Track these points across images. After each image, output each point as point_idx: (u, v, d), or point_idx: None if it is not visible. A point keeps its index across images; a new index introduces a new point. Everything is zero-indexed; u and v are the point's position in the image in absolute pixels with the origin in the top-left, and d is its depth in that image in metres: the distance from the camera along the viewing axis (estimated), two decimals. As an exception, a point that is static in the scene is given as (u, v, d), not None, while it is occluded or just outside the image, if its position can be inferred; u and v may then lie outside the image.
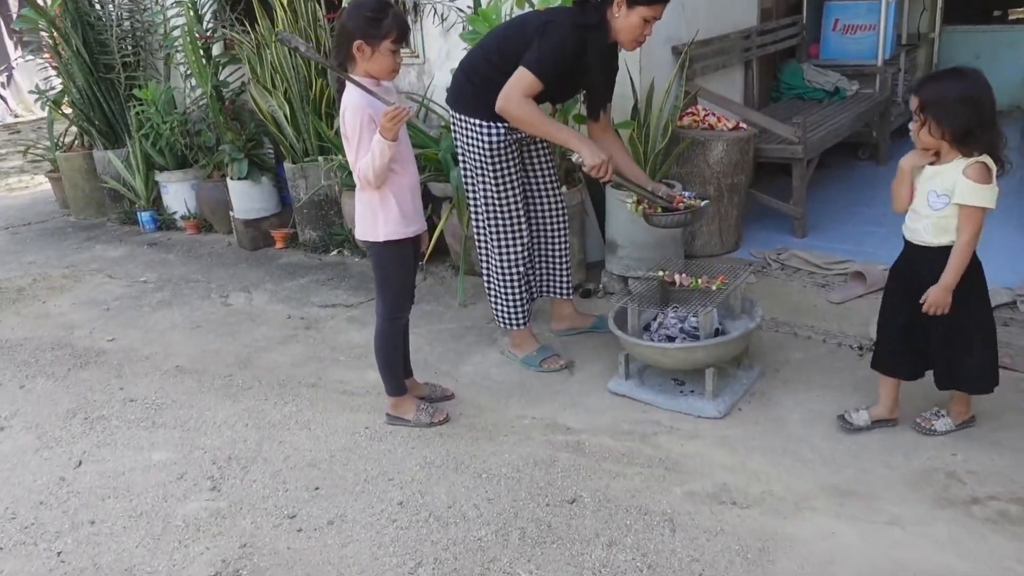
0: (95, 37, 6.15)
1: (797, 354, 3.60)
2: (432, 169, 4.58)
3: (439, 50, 4.97)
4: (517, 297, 3.62)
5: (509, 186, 3.44)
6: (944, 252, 2.67)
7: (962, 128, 2.53)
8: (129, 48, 6.22)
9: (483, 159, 3.38)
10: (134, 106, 5.98)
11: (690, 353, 3.15)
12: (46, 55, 6.77)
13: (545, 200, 3.65)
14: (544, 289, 3.84)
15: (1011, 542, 2.41)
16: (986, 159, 2.56)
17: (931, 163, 2.68)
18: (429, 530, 2.65)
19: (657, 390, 3.33)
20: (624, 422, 3.19)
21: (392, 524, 2.70)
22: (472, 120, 3.35)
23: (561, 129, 3.26)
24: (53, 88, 6.95)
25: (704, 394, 3.22)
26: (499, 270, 3.58)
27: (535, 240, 3.70)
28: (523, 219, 3.53)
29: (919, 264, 2.76)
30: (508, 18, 3.97)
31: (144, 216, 6.20)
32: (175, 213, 6.15)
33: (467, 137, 3.41)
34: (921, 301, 2.71)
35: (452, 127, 3.50)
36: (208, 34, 5.67)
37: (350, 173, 3.01)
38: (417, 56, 5.03)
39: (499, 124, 3.31)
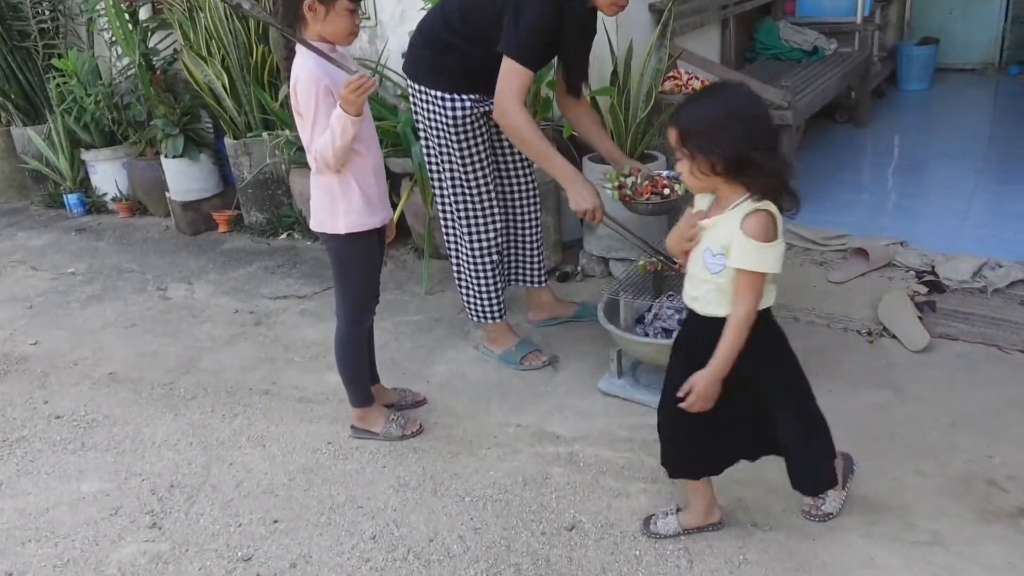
0: (6, 1, 5.55)
1: (801, 342, 3.22)
2: (390, 144, 4.15)
3: (393, 11, 4.51)
4: (492, 288, 3.24)
5: (478, 165, 3.04)
6: None
7: (735, 155, 1.86)
8: (46, 13, 5.63)
9: (447, 135, 2.98)
10: (54, 78, 5.41)
11: (693, 350, 2.81)
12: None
13: (515, 178, 3.26)
14: (515, 277, 3.47)
15: (1074, 564, 2.14)
16: (769, 207, 1.90)
17: (706, 216, 2.03)
18: (409, 570, 2.29)
19: (654, 389, 2.98)
20: (620, 428, 2.85)
21: (365, 564, 2.33)
22: (433, 92, 2.94)
23: (554, 159, 2.85)
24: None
25: (707, 393, 2.89)
26: (470, 259, 3.19)
27: (505, 223, 3.32)
28: (495, 201, 3.14)
29: (704, 338, 2.06)
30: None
31: (71, 199, 5.66)
32: (105, 195, 5.62)
33: (428, 111, 2.99)
34: (680, 394, 2.05)
35: (411, 99, 3.09)
36: (134, -4, 5.12)
37: (300, 149, 2.60)
38: (368, 18, 4.56)
39: (464, 96, 2.91)
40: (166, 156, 4.97)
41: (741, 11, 5.28)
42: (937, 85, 6.93)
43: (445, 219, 3.23)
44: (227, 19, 4.60)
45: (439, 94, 2.93)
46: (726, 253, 1.97)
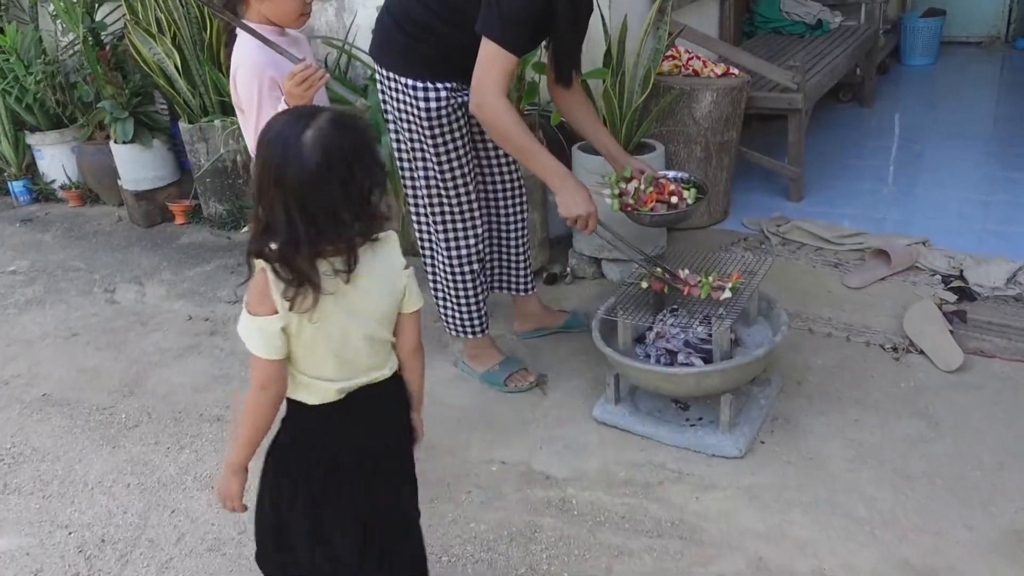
0: (-61, -31, 5.07)
1: (818, 358, 2.94)
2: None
3: (362, -18, 4.08)
4: (473, 300, 2.87)
5: (457, 163, 2.65)
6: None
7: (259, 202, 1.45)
8: (-16, -18, 5.15)
9: (420, 129, 2.59)
10: (-7, 54, 4.94)
11: (703, 379, 2.45)
12: None
13: (497, 174, 2.88)
14: (499, 284, 3.09)
15: None
16: (264, 268, 1.46)
17: None
18: (375, 656, 1.93)
19: (656, 418, 2.64)
20: (619, 465, 2.50)
21: (324, 648, 1.97)
22: (404, 80, 2.54)
23: (540, 157, 2.47)
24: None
25: (717, 424, 2.55)
26: (448, 269, 2.81)
27: (488, 226, 2.94)
28: (476, 203, 2.76)
29: None
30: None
31: (16, 186, 5.20)
32: (53, 182, 5.17)
33: (399, 101, 2.60)
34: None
35: (378, 86, 2.69)
36: (78, -36, 4.64)
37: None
38: (331, -8, 4.13)
39: (439, 84, 2.52)
40: (115, 142, 4.53)
41: (741, -19, 4.88)
42: (942, 59, 6.56)
43: (419, 223, 2.85)
44: (179, -10, 4.16)
45: (410, 82, 2.53)
46: None
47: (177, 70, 4.21)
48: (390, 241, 1.53)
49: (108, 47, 4.67)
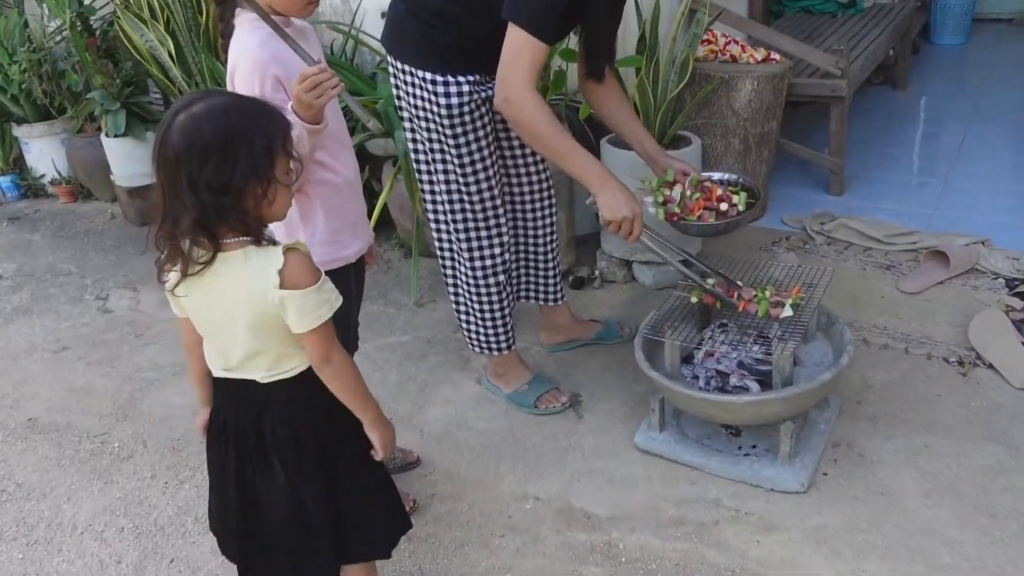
0: (-84, -49, 4.77)
1: (877, 373, 2.68)
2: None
3: (368, -39, 3.79)
4: (498, 314, 2.60)
5: (481, 164, 2.38)
6: None
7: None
8: (-35, -35, 4.85)
9: (440, 128, 2.31)
10: (-25, 42, 4.65)
11: (762, 407, 2.19)
12: None
13: (524, 175, 2.61)
14: (526, 294, 2.83)
15: None
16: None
17: None
18: None
19: (706, 447, 2.38)
20: (668, 502, 2.25)
21: None
22: (421, 73, 2.26)
23: (578, 157, 2.19)
24: None
25: (774, 453, 2.30)
26: (471, 281, 2.55)
27: (514, 232, 2.68)
28: (501, 208, 2.49)
29: None
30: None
31: (3, 182, 4.92)
32: (42, 177, 4.89)
33: (415, 97, 2.32)
34: None
35: (392, 80, 2.41)
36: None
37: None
38: (338, -29, 3.84)
39: (461, 77, 2.24)
40: (107, 135, 4.26)
41: (771, -43, 4.57)
42: (974, 38, 6.25)
43: (439, 230, 2.58)
44: (171, -28, 3.86)
45: (429, 76, 2.25)
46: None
47: (171, 58, 3.92)
48: (269, 256, 1.46)
49: (97, 33, 4.38)
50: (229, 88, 1.79)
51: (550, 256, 2.76)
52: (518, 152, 2.58)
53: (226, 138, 1.39)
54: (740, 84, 3.23)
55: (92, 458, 2.63)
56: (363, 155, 3.49)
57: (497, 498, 2.32)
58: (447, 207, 2.47)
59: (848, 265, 3.23)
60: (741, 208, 2.36)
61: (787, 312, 2.27)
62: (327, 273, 1.68)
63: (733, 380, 2.32)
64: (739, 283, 2.40)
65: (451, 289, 2.66)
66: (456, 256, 2.58)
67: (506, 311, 2.62)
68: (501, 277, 2.55)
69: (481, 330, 2.64)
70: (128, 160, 4.30)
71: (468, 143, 2.34)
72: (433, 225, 2.58)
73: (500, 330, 2.63)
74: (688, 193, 2.35)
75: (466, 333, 2.69)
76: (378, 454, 1.69)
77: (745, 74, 3.23)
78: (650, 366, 2.31)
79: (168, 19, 3.92)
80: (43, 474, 2.58)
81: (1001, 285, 2.99)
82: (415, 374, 2.90)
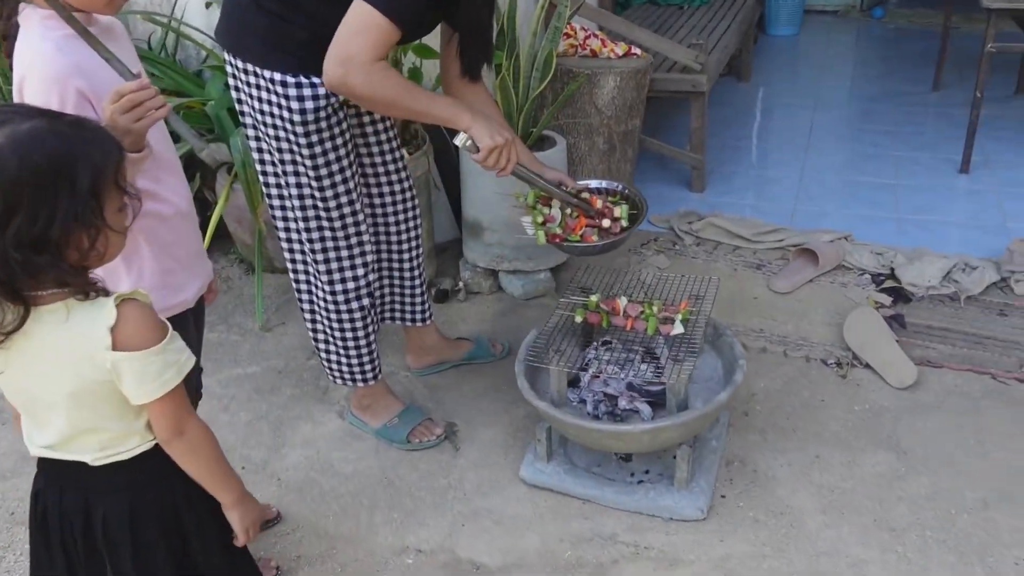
0: None
1: (760, 380, 2.60)
2: (196, 129, 3.08)
3: (190, -57, 3.37)
4: (362, 341, 2.33)
5: (340, 176, 2.10)
6: None
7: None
8: None
9: (293, 136, 2.01)
10: None
11: (658, 434, 2.04)
12: None
13: (385, 183, 2.35)
14: (390, 315, 2.58)
15: None
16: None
17: None
18: None
19: (597, 476, 2.21)
20: (562, 541, 2.06)
21: None
22: (268, 74, 1.96)
23: (437, 103, 1.95)
24: None
25: (669, 479, 2.16)
26: (330, 307, 2.26)
27: (377, 250, 2.41)
28: (364, 225, 2.22)
29: None
30: None
31: None
32: None
33: (261, 101, 2.01)
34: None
35: (231, 80, 2.09)
36: None
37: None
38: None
39: (317, 78, 1.95)
40: None
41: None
42: (804, 29, 6.44)
43: (292, 250, 2.26)
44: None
45: (278, 77, 1.95)
46: None
47: None
48: (97, 310, 1.19)
49: None
50: (16, 97, 1.43)
51: (416, 272, 2.51)
52: (377, 159, 2.31)
53: (38, 177, 1.08)
54: (603, 80, 3.07)
55: None
56: (192, 163, 3.11)
57: (373, 554, 2.06)
58: (301, 224, 2.17)
59: (719, 266, 3.15)
60: (625, 223, 2.19)
61: (678, 328, 2.13)
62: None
63: (623, 403, 2.17)
64: (606, 185, 2.29)
65: (307, 316, 2.36)
66: (313, 279, 2.28)
67: (371, 337, 2.35)
68: (365, 301, 2.28)
69: (344, 360, 2.36)
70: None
71: (325, 152, 2.05)
72: (285, 245, 2.27)
73: (365, 359, 2.36)
74: (568, 211, 2.16)
75: (326, 363, 2.40)
76: (239, 540, 1.41)
77: (608, 70, 3.08)
78: (535, 395, 2.11)
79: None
80: None
81: (868, 281, 2.99)
82: (267, 411, 2.58)
